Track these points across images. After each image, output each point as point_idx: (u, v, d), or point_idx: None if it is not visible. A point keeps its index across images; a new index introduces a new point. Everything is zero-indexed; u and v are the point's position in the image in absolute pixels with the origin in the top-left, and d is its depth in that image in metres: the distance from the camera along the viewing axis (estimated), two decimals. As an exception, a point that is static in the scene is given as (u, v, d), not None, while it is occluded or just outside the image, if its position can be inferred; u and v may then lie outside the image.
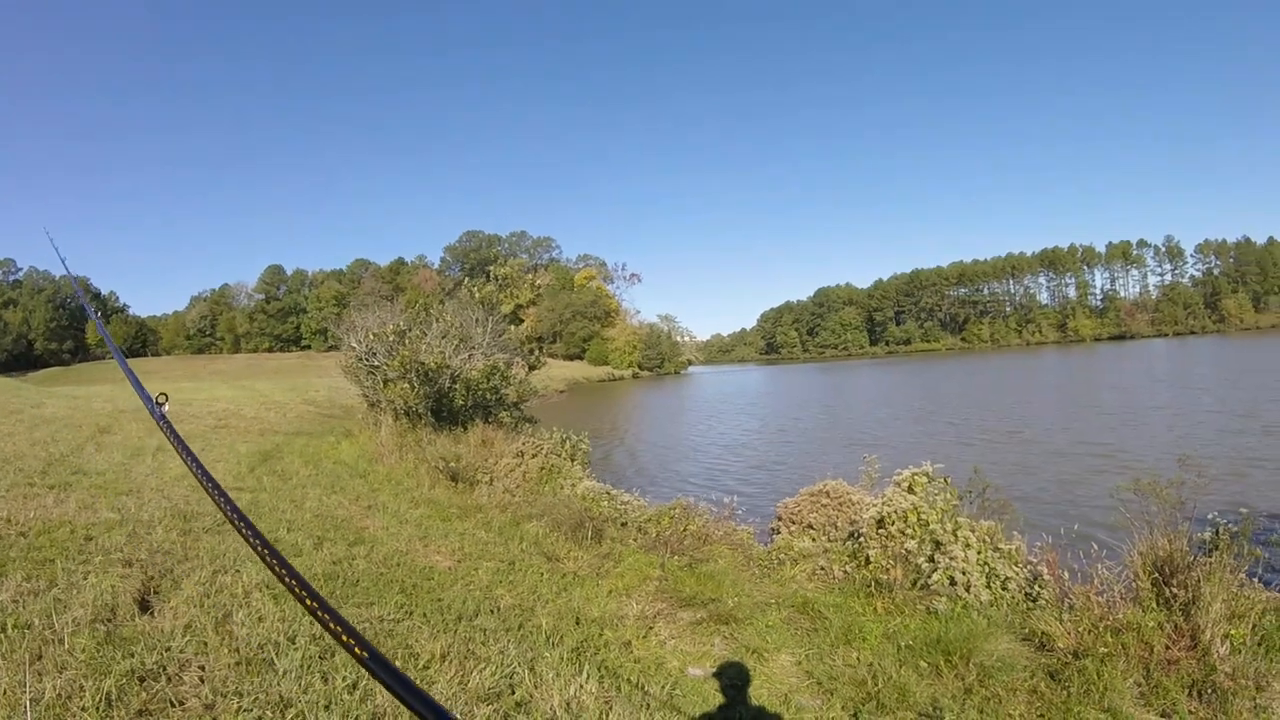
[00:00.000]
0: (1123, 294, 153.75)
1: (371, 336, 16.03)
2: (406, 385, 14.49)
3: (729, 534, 9.37)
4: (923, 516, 7.25)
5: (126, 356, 2.67)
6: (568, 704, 3.81)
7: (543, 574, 7.02)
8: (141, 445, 10.54)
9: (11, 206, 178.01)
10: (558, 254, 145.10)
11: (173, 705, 3.02)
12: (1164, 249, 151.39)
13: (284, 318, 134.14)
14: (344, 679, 3.42)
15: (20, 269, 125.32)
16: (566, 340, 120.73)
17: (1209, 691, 4.44)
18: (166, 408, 1.94)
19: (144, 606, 4.04)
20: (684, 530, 9.11)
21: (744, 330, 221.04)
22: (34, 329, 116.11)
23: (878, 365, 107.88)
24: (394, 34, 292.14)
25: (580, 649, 4.99)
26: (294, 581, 1.19)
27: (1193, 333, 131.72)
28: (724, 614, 6.46)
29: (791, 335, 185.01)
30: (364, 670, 1.08)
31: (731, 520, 9.87)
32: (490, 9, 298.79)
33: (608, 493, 11.26)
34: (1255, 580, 5.33)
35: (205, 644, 3.61)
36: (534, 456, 12.64)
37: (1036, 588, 6.51)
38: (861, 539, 7.75)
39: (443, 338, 16.40)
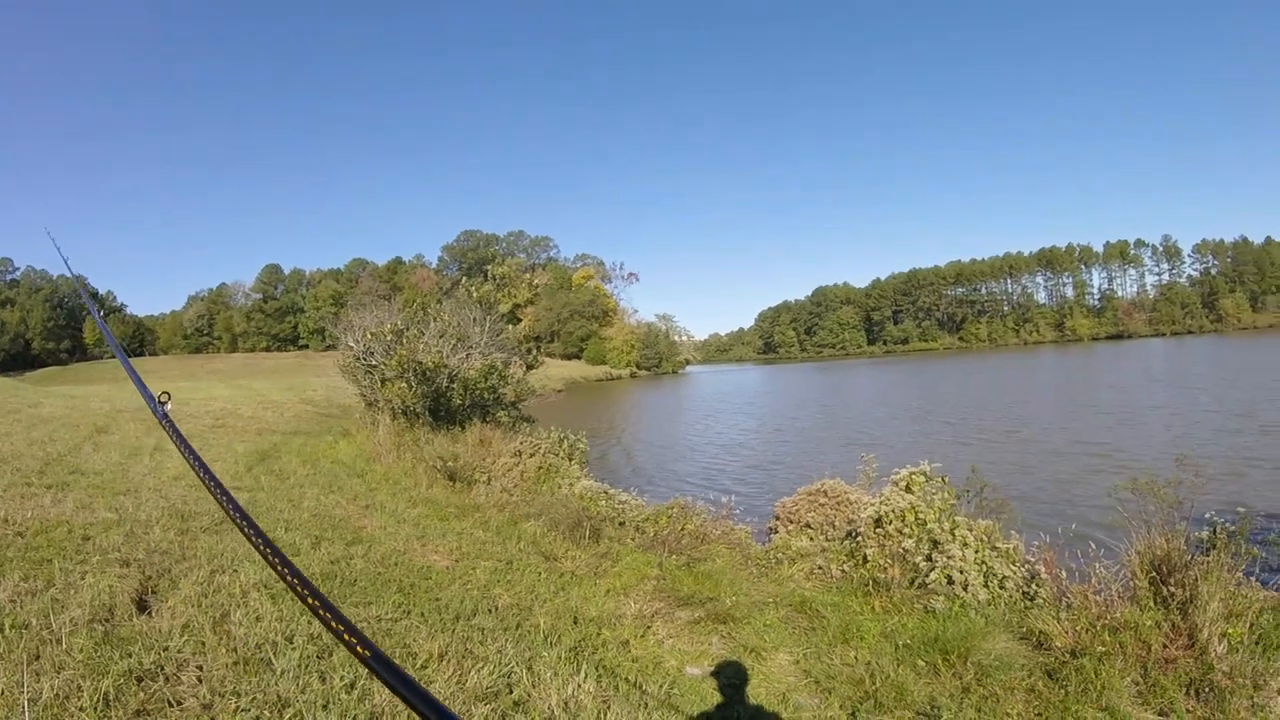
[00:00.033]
0: (1120, 294, 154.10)
1: (369, 336, 16.01)
2: (404, 384, 14.48)
3: (727, 533, 9.37)
4: (920, 516, 7.26)
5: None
6: (565, 703, 3.81)
7: (540, 573, 7.02)
8: (139, 445, 10.53)
9: (9, 206, 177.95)
10: (555, 253, 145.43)
11: (170, 705, 3.01)
12: (1161, 249, 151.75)
13: (281, 317, 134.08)
14: (342, 678, 3.42)
15: (18, 268, 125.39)
16: (564, 340, 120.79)
17: (1206, 690, 4.45)
18: (169, 407, 1.94)
19: (142, 606, 4.03)
20: (682, 529, 9.11)
21: (742, 330, 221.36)
22: (31, 328, 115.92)
23: (875, 365, 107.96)
24: (392, 34, 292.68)
25: (578, 648, 4.98)
26: (296, 580, 1.19)
27: (1190, 332, 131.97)
28: (722, 613, 6.46)
29: (789, 335, 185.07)
30: (363, 669, 1.08)
31: (729, 519, 9.87)
32: (489, 9, 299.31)
33: (605, 492, 11.26)
34: (1253, 579, 5.33)
35: (203, 644, 3.61)
36: (532, 456, 12.62)
37: (1034, 587, 6.52)
38: (859, 538, 7.76)
39: (440, 337, 16.38)
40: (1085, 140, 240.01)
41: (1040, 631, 5.44)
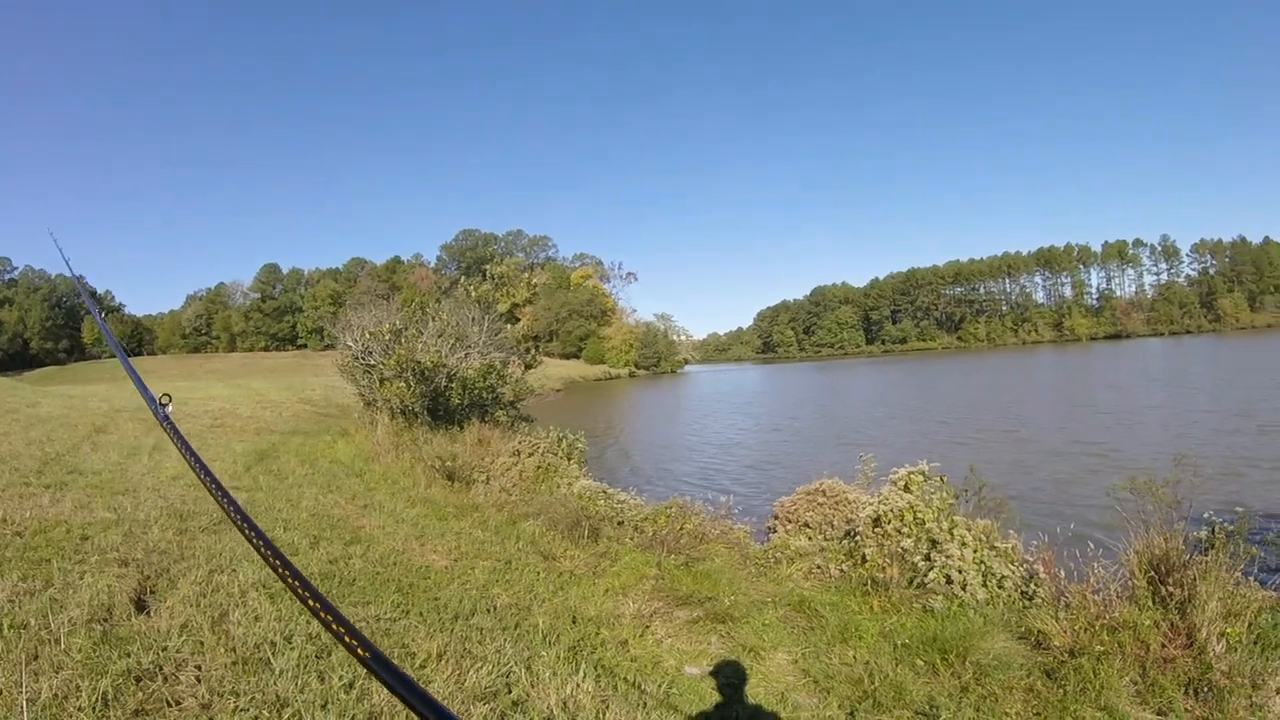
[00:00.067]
0: (1118, 293, 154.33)
1: (367, 335, 15.99)
2: (402, 384, 14.47)
3: (725, 533, 9.37)
4: (919, 515, 7.26)
5: (122, 355, 2.66)
6: (564, 703, 3.81)
7: (539, 573, 7.02)
8: (138, 444, 10.52)
9: (7, 206, 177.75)
10: (554, 253, 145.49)
11: (169, 705, 3.01)
12: (1160, 248, 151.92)
13: (280, 317, 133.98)
14: (340, 678, 3.42)
15: (16, 268, 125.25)
16: (563, 339, 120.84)
17: (1205, 689, 4.45)
18: (170, 408, 1.93)
19: (140, 606, 4.03)
20: (680, 529, 9.11)
21: (740, 329, 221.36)
22: (30, 328, 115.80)
23: (874, 364, 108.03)
24: (391, 34, 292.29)
25: (577, 648, 4.99)
26: (297, 582, 1.19)
27: (1188, 332, 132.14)
28: (720, 612, 6.46)
29: (788, 334, 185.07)
30: (362, 669, 1.08)
31: (728, 519, 9.87)
32: (488, 9, 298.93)
33: (604, 492, 11.26)
34: (1251, 579, 5.34)
35: (202, 643, 3.60)
36: (530, 455, 12.62)
37: (1032, 586, 6.52)
38: (858, 537, 7.76)
39: (439, 336, 16.37)
40: (1084, 140, 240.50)
41: (1039, 631, 5.45)
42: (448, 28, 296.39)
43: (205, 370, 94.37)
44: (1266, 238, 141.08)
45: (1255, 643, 4.76)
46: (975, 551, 6.72)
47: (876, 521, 7.56)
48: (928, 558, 6.87)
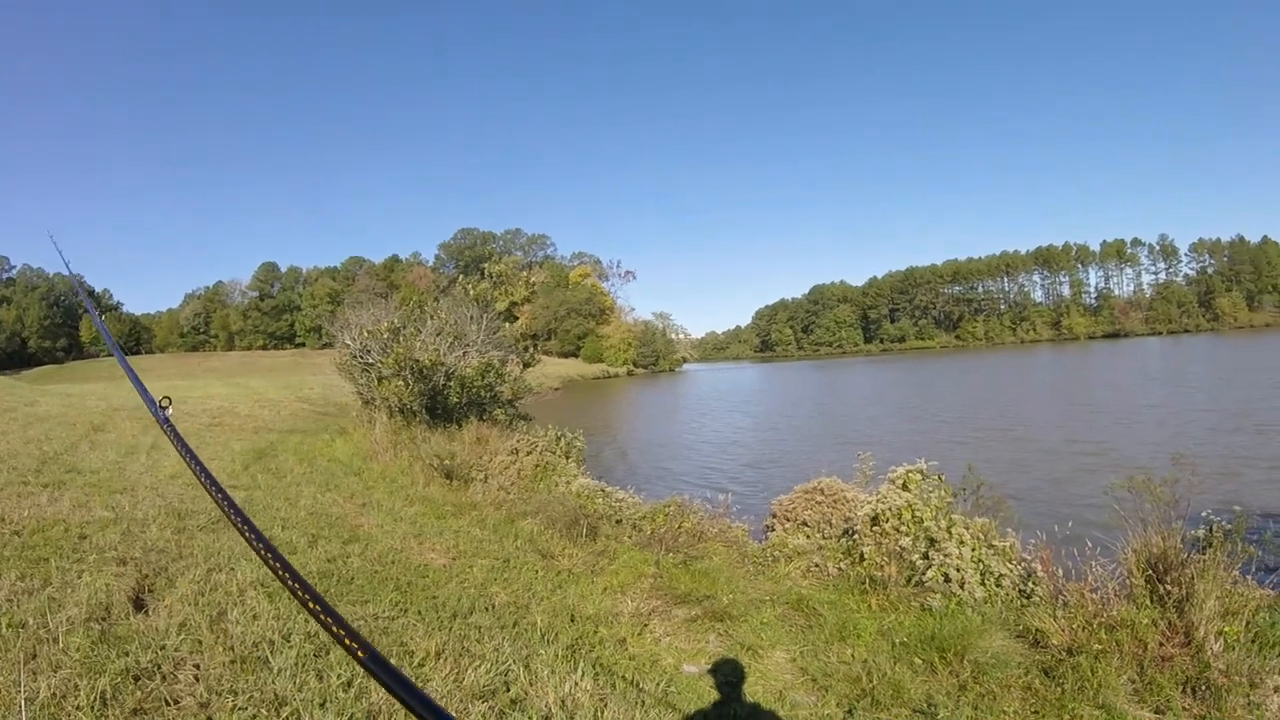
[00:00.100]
0: (1117, 292, 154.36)
1: (366, 334, 15.99)
2: (401, 383, 14.46)
3: (724, 531, 9.38)
4: (917, 513, 7.27)
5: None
6: (563, 701, 3.81)
7: (537, 571, 7.02)
8: (136, 443, 10.51)
9: (5, 204, 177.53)
10: (552, 251, 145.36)
11: (168, 704, 3.01)
12: (1158, 248, 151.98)
13: (278, 315, 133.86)
14: (339, 676, 3.42)
15: (14, 266, 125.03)
16: (561, 338, 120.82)
17: (1203, 688, 4.46)
18: (170, 411, 1.93)
19: (138, 605, 4.03)
20: (679, 527, 9.12)
21: (739, 328, 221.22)
22: (28, 327, 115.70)
23: (872, 363, 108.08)
24: (390, 32, 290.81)
25: (575, 646, 4.99)
26: (296, 584, 1.20)
27: (1187, 331, 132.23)
28: (719, 611, 6.46)
29: (786, 333, 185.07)
30: (360, 668, 1.08)
31: (726, 517, 9.87)
32: (487, 7, 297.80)
33: (602, 490, 11.26)
34: (1249, 578, 5.35)
35: (200, 642, 3.60)
36: (529, 454, 12.63)
37: (1030, 585, 6.53)
38: (856, 536, 7.77)
39: (437, 335, 16.36)
40: (1084, 140, 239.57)
41: (1037, 629, 5.46)
42: (447, 26, 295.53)
43: (203, 369, 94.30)
44: (1265, 237, 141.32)
45: (1253, 641, 4.77)
46: (973, 550, 6.73)
47: (875, 520, 7.57)
48: (926, 556, 6.88)
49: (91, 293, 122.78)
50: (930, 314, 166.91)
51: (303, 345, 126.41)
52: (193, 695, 3.09)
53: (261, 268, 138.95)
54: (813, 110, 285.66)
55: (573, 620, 5.72)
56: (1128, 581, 5.53)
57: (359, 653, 1.09)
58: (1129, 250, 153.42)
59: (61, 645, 3.32)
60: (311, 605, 1.17)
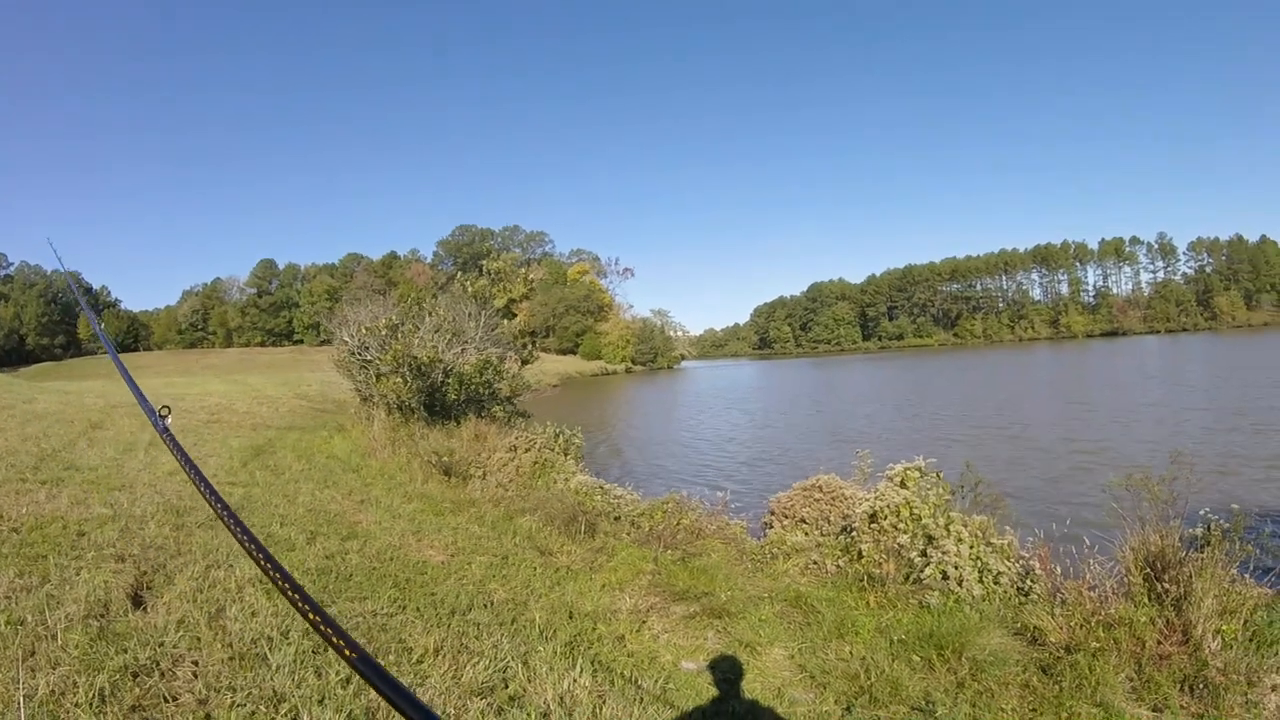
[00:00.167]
0: (1115, 291, 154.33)
1: (364, 331, 16.00)
2: (399, 379, 14.47)
3: (722, 528, 9.38)
4: (915, 511, 7.28)
5: (119, 351, 2.66)
6: (561, 698, 3.82)
7: (536, 568, 7.02)
8: (134, 440, 10.50)
9: (4, 203, 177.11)
10: (551, 248, 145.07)
11: (166, 701, 3.01)
12: (1157, 246, 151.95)
13: (276, 312, 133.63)
14: (337, 674, 3.42)
15: (12, 263, 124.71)
16: (559, 335, 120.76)
17: (1201, 686, 4.47)
18: (169, 420, 1.92)
19: (137, 602, 4.03)
20: (677, 524, 9.12)
21: (737, 325, 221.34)
22: (25, 324, 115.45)
23: (870, 360, 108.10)
24: (389, 30, 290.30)
25: (573, 643, 4.99)
26: (286, 583, 1.20)
27: (1185, 330, 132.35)
28: (717, 608, 6.47)
29: (784, 330, 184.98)
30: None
31: (724, 515, 9.87)
32: (487, 6, 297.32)
33: (601, 487, 11.27)
34: (1247, 576, 5.36)
35: (198, 639, 3.60)
36: (527, 451, 12.63)
37: (1028, 582, 6.54)
38: (854, 533, 7.78)
39: (435, 332, 16.37)
40: (1083, 140, 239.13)
41: (1035, 627, 5.47)
42: (446, 24, 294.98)
43: (202, 366, 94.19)
44: (1263, 236, 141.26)
45: (1251, 640, 4.78)
46: (971, 547, 6.73)
47: (873, 517, 7.58)
48: (924, 553, 6.89)
49: (90, 289, 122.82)
50: (928, 312, 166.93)
51: (301, 342, 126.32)
52: (191, 692, 3.09)
53: (260, 264, 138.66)
54: (813, 110, 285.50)
55: (571, 617, 5.72)
56: (1125, 580, 5.54)
57: (347, 651, 1.09)
58: (1127, 249, 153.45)
59: (60, 642, 3.32)
60: (301, 605, 1.17)
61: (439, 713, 3.32)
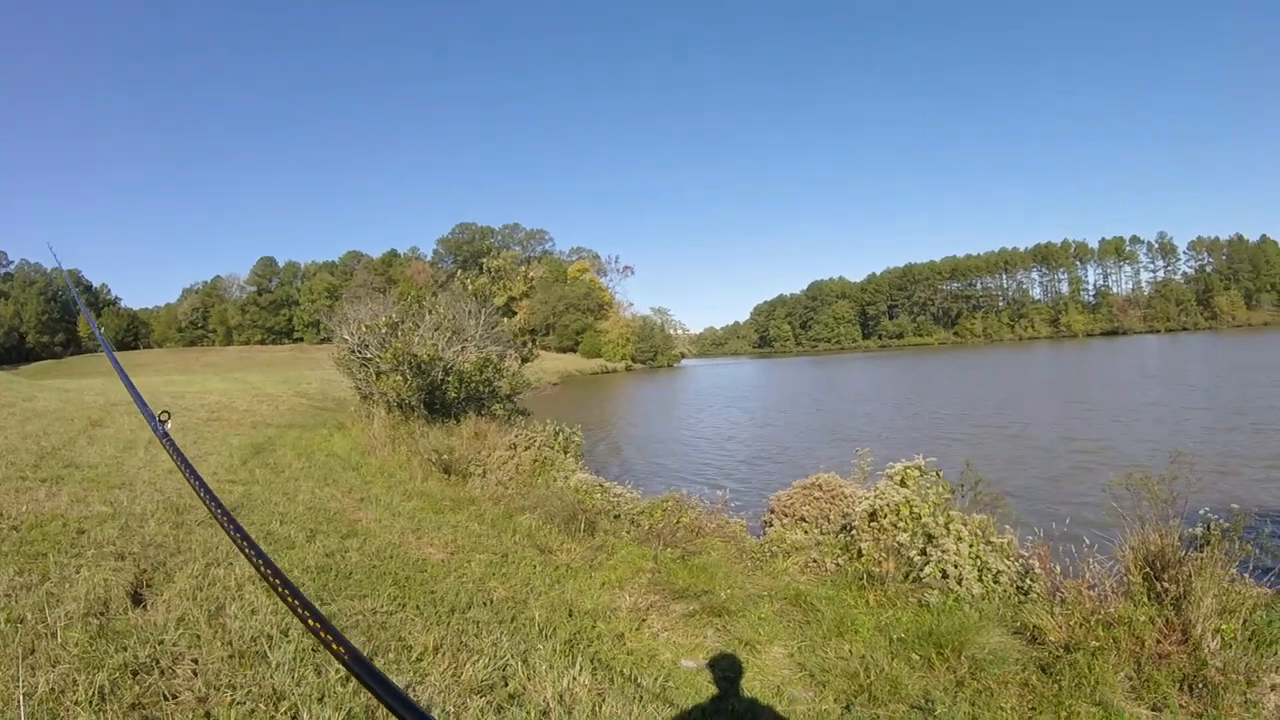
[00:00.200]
0: (1115, 290, 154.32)
1: (364, 329, 16.00)
2: (399, 377, 14.47)
3: (721, 526, 9.38)
4: (915, 510, 7.28)
5: (118, 349, 2.66)
6: (561, 696, 3.82)
7: (535, 566, 7.02)
8: (134, 438, 10.50)
9: (4, 201, 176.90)
10: (551, 246, 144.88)
11: (166, 699, 3.01)
12: (1157, 245, 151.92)
13: (276, 310, 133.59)
14: (337, 672, 3.42)
15: (11, 261, 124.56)
16: (559, 333, 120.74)
17: (1200, 685, 4.47)
18: (169, 425, 1.92)
19: (136, 600, 4.03)
20: (677, 523, 9.12)
21: (737, 323, 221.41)
22: (25, 322, 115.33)
23: (870, 359, 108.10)
24: (389, 29, 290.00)
25: (573, 641, 4.99)
26: (279, 581, 1.20)
27: (1185, 329, 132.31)
28: (717, 606, 6.47)
29: (784, 329, 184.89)
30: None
31: (724, 513, 9.88)
32: (487, 6, 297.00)
33: (600, 485, 11.27)
34: (1246, 576, 5.36)
35: (198, 637, 3.61)
36: (527, 449, 12.63)
37: (1028, 581, 6.54)
38: (854, 532, 7.78)
39: (435, 330, 16.37)
40: (1083, 139, 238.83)
41: (1034, 626, 5.47)
42: (446, 24, 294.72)
43: (201, 364, 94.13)
44: (1263, 236, 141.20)
45: (1250, 639, 4.79)
46: (971, 546, 6.73)
47: (872, 516, 7.58)
48: (923, 552, 6.89)
49: (89, 287, 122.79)
50: (929, 310, 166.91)
51: (301, 340, 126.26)
52: (191, 690, 3.09)
53: (259, 262, 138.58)
54: (813, 109, 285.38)
55: (571, 615, 5.72)
56: (1125, 579, 5.54)
57: (334, 645, 1.10)
58: (1128, 248, 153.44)
59: (60, 640, 3.32)
60: (294, 603, 1.18)
61: (438, 711, 3.33)
